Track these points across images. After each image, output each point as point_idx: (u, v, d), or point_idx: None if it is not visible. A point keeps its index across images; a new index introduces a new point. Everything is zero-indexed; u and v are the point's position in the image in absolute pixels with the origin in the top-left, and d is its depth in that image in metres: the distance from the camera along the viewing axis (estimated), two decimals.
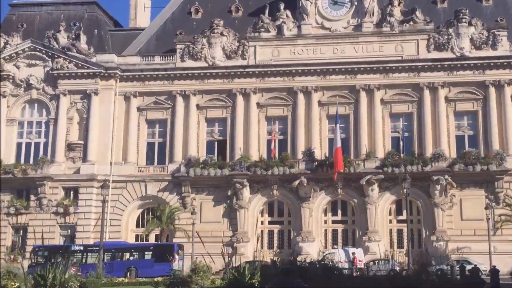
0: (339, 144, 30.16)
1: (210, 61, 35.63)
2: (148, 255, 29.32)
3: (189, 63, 35.98)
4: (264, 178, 32.92)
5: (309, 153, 32.41)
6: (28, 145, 37.29)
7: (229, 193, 33.17)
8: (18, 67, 37.58)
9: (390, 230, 32.91)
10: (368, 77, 33.46)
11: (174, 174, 34.20)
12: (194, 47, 35.84)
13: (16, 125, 37.32)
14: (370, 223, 31.78)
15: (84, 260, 28.89)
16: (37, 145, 37.24)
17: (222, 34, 35.63)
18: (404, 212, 31.99)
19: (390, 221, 33.07)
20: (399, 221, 32.80)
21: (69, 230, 35.12)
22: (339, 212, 33.75)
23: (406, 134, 32.46)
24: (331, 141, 32.89)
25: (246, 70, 34.87)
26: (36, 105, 37.64)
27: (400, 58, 33.33)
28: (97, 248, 26.92)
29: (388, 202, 32.64)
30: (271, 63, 34.83)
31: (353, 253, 27.53)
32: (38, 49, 37.36)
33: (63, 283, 13.01)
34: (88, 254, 29.54)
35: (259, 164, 32.45)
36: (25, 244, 34.50)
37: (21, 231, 35.47)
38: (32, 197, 34.97)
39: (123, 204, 35.19)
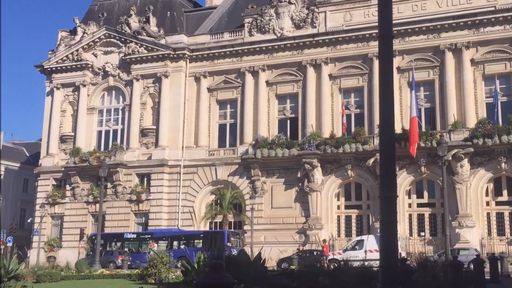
0: (414, 113, 30.43)
1: (278, 33, 38.20)
2: (199, 243, 32.12)
3: (257, 36, 38.94)
4: (336, 157, 34.55)
5: None
6: (107, 132, 43.52)
7: (299, 175, 35.20)
8: (95, 56, 44.07)
9: (488, 214, 32.24)
10: (455, 34, 33.22)
11: (243, 156, 37.26)
12: (262, 19, 38.67)
13: (96, 113, 43.76)
14: (461, 205, 31.75)
15: (138, 248, 32.92)
16: (115, 132, 43.27)
17: (290, 2, 37.97)
18: (505, 192, 31.15)
19: (487, 203, 32.41)
20: (498, 203, 31.99)
21: (143, 218, 40.19)
22: (425, 193, 33.83)
23: (503, 98, 31.42)
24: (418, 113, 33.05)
25: (316, 39, 36.84)
26: (113, 92, 43.79)
27: (493, 9, 32.28)
28: (149, 235, 31.01)
29: (483, 181, 32.14)
30: (343, 28, 36.11)
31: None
32: (112, 36, 43.41)
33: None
34: (141, 242, 33.56)
35: (329, 141, 34.03)
36: (104, 232, 40.34)
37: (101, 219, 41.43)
38: (109, 185, 40.70)
39: (195, 190, 39.32)
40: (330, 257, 27.36)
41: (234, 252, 29.69)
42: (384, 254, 6.43)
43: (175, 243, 33.12)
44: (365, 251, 26.21)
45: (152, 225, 38.92)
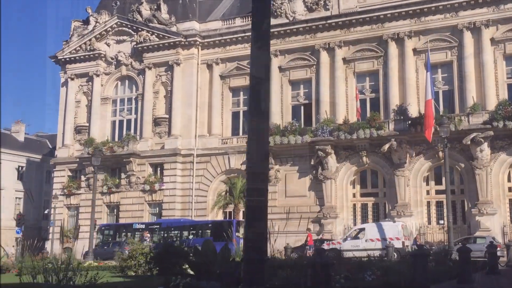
0: (430, 96, 29.21)
1: (291, 16, 37.29)
2: (207, 234, 31.77)
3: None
4: (351, 144, 33.62)
5: (401, 111, 32.00)
6: (120, 122, 43.39)
7: (313, 162, 34.40)
8: (108, 45, 43.86)
9: (510, 200, 30.98)
10: (474, 12, 31.96)
11: None
12: (274, 3, 37.69)
13: (110, 103, 43.63)
14: (481, 192, 30.54)
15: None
16: (128, 122, 43.14)
17: None
18: None
19: (510, 189, 31.14)
20: None
21: (157, 208, 39.99)
22: (444, 180, 32.60)
23: None
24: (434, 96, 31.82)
25: (329, 21, 35.85)
26: (126, 81, 43.59)
27: None
28: (158, 226, 30.67)
29: (504, 166, 30.88)
30: (357, 10, 35.02)
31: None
32: (124, 24, 43.14)
33: None
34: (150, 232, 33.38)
35: (343, 127, 33.09)
36: (118, 223, 40.36)
37: (115, 210, 41.55)
38: (123, 175, 40.62)
39: (208, 179, 38.87)
40: (332, 246, 26.46)
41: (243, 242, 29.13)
42: (247, 247, 5.64)
43: (185, 233, 32.79)
44: (366, 240, 25.17)
45: (165, 215, 38.71)
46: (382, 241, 24.93)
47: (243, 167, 37.71)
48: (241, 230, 31.19)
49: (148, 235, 30.61)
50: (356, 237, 27.16)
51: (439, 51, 32.79)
